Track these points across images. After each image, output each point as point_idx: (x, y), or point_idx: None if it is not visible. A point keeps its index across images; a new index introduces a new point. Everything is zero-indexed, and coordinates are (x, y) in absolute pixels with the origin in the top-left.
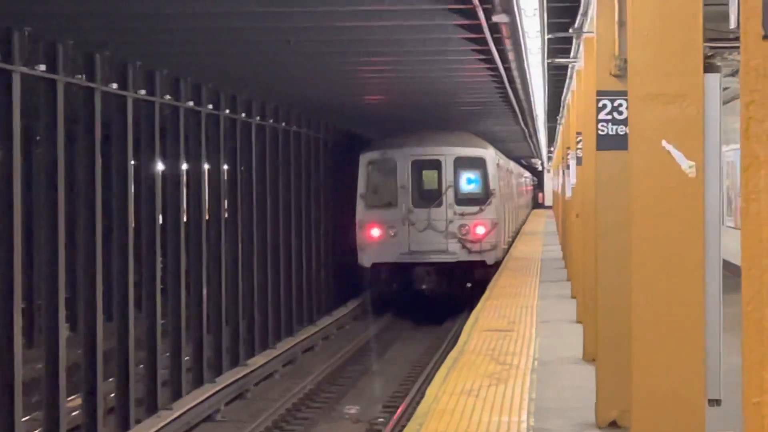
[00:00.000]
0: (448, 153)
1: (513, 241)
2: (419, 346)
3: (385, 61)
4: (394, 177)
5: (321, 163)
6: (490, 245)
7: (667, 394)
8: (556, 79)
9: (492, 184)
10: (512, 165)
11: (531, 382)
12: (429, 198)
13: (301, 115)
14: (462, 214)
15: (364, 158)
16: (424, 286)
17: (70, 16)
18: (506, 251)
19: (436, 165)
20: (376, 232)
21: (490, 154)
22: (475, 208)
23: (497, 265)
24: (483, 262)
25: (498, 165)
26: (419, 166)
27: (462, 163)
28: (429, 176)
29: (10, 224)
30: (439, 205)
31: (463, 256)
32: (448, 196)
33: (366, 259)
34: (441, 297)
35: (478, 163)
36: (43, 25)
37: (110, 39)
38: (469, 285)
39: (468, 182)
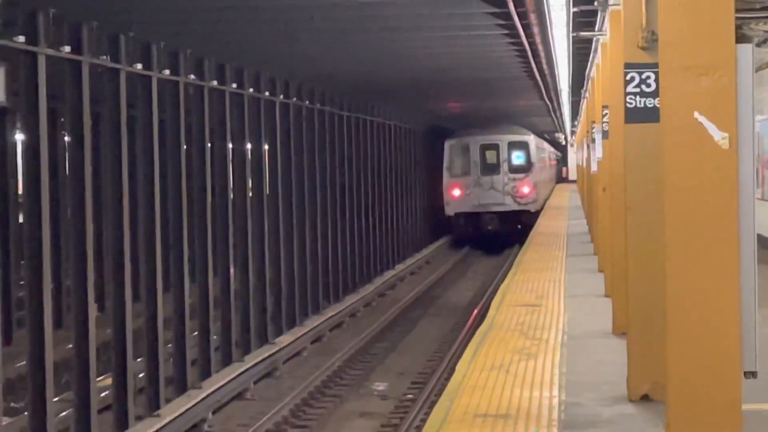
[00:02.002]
0: (503, 139)
1: (547, 199)
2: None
3: (408, 37)
4: (468, 155)
5: (336, 140)
6: (532, 199)
7: (703, 366)
8: (581, 52)
9: (533, 159)
10: (545, 145)
11: (561, 357)
12: (491, 169)
13: (325, 91)
14: (513, 179)
15: (448, 143)
16: (489, 227)
17: None
18: (543, 205)
19: (495, 147)
20: (456, 192)
21: (531, 138)
22: (522, 175)
23: (537, 213)
24: (528, 211)
25: (537, 146)
26: (484, 148)
27: (513, 145)
28: (491, 154)
29: (38, 206)
30: (498, 173)
31: (514, 207)
32: (504, 167)
33: (450, 210)
34: (500, 234)
35: (524, 145)
36: (67, 7)
37: (134, 19)
38: (519, 226)
39: (517, 158)
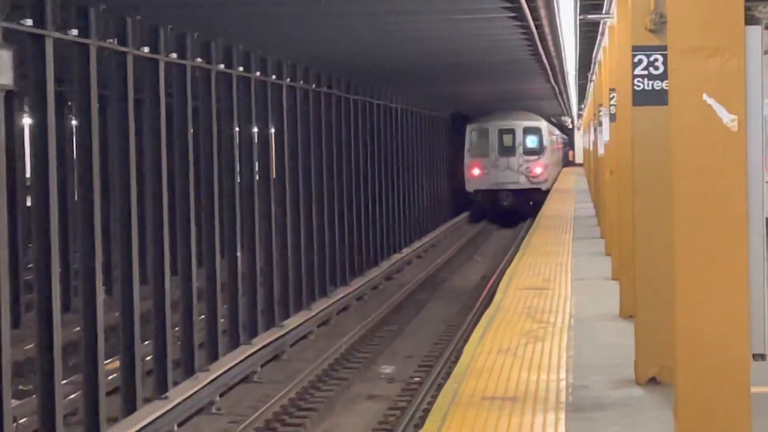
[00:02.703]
0: (518, 125)
1: (555, 179)
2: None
3: (415, 20)
4: (486, 138)
5: (343, 123)
6: (543, 179)
7: (711, 349)
8: (588, 35)
9: (545, 143)
10: (555, 130)
11: (568, 340)
12: (507, 151)
13: (331, 74)
14: (527, 160)
15: (469, 127)
16: (504, 203)
17: None
18: (552, 183)
19: (511, 132)
20: (476, 171)
21: (543, 124)
22: (535, 157)
23: (547, 191)
24: (539, 189)
25: (548, 131)
26: (501, 132)
27: (527, 130)
28: (507, 138)
29: (46, 189)
30: (514, 155)
31: (527, 185)
32: (518, 150)
33: (470, 187)
34: (514, 209)
35: (537, 131)
36: None
37: (141, 3)
38: (531, 203)
39: (530, 142)
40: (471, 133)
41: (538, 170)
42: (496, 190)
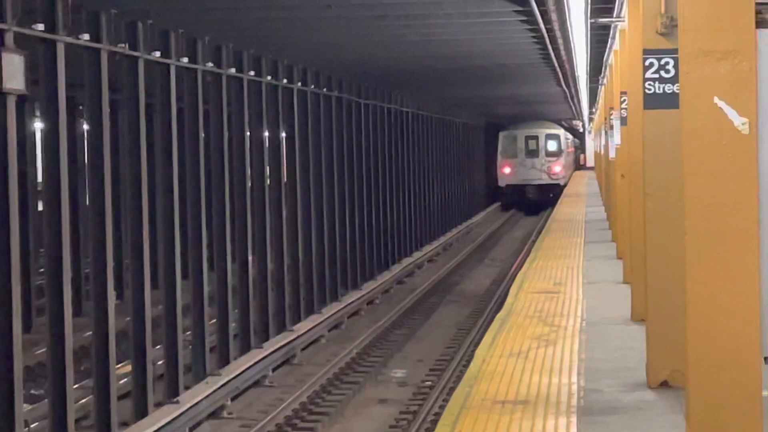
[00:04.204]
0: (541, 132)
1: (570, 176)
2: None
3: (426, 24)
4: (515, 143)
5: (354, 127)
6: (561, 176)
7: (723, 352)
8: (598, 39)
9: (562, 147)
10: (570, 136)
11: (580, 343)
12: (532, 153)
13: (342, 79)
14: (548, 161)
15: (501, 134)
16: (530, 196)
17: None
18: (568, 180)
19: (536, 138)
20: (507, 169)
21: (561, 132)
22: (554, 158)
23: (564, 186)
24: (558, 184)
25: (565, 138)
26: (527, 138)
27: (549, 137)
28: (532, 143)
29: (57, 194)
30: (538, 156)
31: (548, 181)
32: (541, 153)
33: (502, 182)
34: (538, 201)
35: (556, 137)
36: None
37: (152, 7)
38: (551, 195)
39: (551, 146)
40: (503, 139)
41: (557, 169)
42: (524, 184)
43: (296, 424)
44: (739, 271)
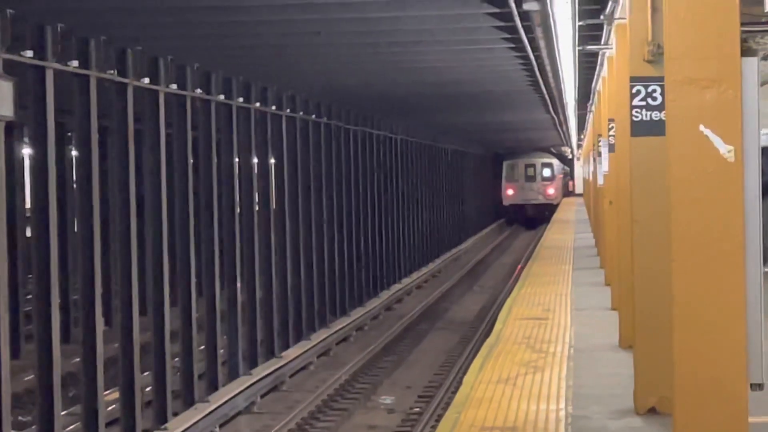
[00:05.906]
0: (538, 161)
1: (562, 198)
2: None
3: (415, 51)
4: (517, 170)
5: (343, 155)
6: (554, 197)
7: (709, 379)
8: (587, 66)
9: (555, 173)
10: (561, 164)
11: (568, 370)
12: (531, 178)
13: (331, 105)
14: (544, 185)
15: (505, 163)
16: (529, 213)
17: (102, 12)
18: (560, 200)
19: (533, 166)
20: (510, 191)
21: (555, 161)
22: (549, 182)
23: (557, 205)
24: (551, 204)
25: (557, 165)
26: (527, 166)
27: (544, 165)
28: (530, 170)
29: (46, 220)
30: (535, 180)
31: (544, 201)
32: (538, 178)
33: (506, 202)
34: (535, 217)
35: (550, 165)
36: (74, 22)
37: (141, 34)
38: (546, 213)
39: (545, 172)
40: (506, 166)
41: (551, 191)
42: (523, 204)
43: None
44: (726, 298)
